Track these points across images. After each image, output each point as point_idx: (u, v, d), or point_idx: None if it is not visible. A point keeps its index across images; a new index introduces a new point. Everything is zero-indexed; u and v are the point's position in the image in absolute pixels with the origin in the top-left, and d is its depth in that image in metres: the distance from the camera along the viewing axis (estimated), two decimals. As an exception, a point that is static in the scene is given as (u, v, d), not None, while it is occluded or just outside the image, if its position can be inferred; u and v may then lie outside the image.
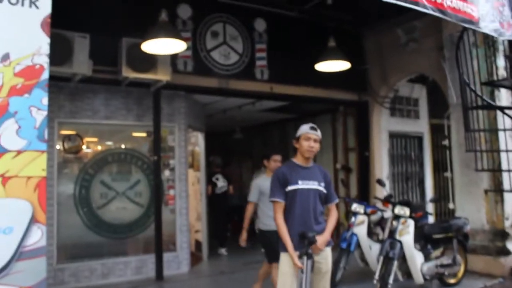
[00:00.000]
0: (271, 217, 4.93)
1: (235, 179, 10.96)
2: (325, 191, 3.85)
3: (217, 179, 9.07)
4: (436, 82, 8.13)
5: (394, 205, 6.16)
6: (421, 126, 9.88)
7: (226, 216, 9.44)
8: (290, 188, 3.73)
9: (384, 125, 9.13)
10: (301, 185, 3.75)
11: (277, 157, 5.48)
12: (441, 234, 6.22)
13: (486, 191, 6.89)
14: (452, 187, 8.24)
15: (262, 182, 5.36)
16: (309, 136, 3.79)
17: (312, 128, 3.83)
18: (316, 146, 3.82)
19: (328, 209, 3.96)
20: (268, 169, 5.44)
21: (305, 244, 3.54)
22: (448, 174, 9.02)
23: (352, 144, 9.43)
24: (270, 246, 5.04)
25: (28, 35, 2.82)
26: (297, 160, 3.87)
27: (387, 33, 8.55)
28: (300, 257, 3.54)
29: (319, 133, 3.85)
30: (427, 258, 5.99)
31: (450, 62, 7.17)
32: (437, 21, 6.90)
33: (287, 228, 3.67)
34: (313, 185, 3.79)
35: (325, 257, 3.78)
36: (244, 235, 5.53)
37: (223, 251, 8.72)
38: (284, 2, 7.52)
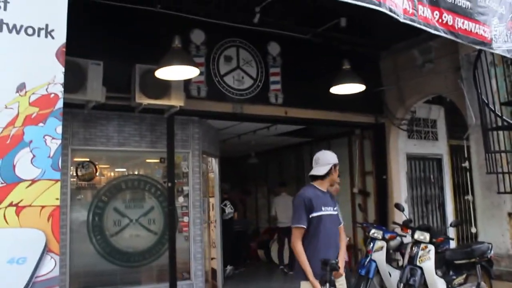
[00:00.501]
0: None
1: (240, 206, 11.04)
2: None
3: (225, 205, 9.14)
4: (454, 103, 8.10)
5: (413, 230, 6.09)
6: (439, 148, 9.81)
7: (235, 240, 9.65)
8: (315, 214, 3.78)
9: (401, 148, 9.09)
10: (324, 211, 3.82)
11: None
12: (464, 260, 6.11)
13: (510, 214, 6.76)
14: (474, 210, 8.10)
15: None
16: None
17: None
18: None
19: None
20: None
21: (327, 271, 3.54)
22: (469, 197, 8.89)
23: (369, 168, 9.37)
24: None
25: (43, 64, 2.88)
26: (320, 185, 3.95)
27: (403, 55, 8.57)
28: (323, 284, 3.54)
29: None
30: (449, 284, 5.88)
31: (467, 82, 7.14)
32: (453, 41, 6.90)
33: (311, 255, 3.69)
34: (331, 210, 3.89)
35: (343, 281, 3.87)
36: None
37: (228, 268, 8.83)
38: (298, 25, 7.60)
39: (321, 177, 3.94)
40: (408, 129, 9.19)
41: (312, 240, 3.75)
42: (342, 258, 3.86)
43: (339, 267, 3.61)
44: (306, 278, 3.65)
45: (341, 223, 4.10)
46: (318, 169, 3.95)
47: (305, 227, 3.75)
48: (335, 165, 3.97)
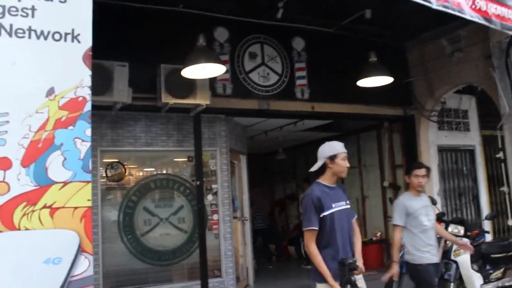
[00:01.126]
0: (424, 246, 4.70)
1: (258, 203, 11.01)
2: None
3: None
4: (485, 92, 7.94)
5: (447, 223, 6.01)
6: (472, 138, 9.64)
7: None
8: (326, 213, 3.63)
9: (432, 140, 8.96)
10: (335, 208, 3.67)
11: (420, 171, 4.88)
12: (501, 254, 6.00)
13: (548, 206, 6.62)
14: (510, 202, 7.95)
15: (408, 202, 4.83)
16: (345, 155, 3.75)
17: (344, 146, 3.81)
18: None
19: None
20: (411, 186, 4.93)
21: (345, 272, 3.45)
22: (505, 188, 8.73)
23: (399, 161, 9.28)
24: (426, 284, 4.72)
25: (71, 69, 2.97)
26: (326, 181, 3.78)
27: (431, 44, 8.44)
28: (343, 286, 3.46)
29: None
30: (486, 279, 5.78)
31: (499, 70, 6.99)
32: (483, 29, 6.77)
33: (330, 257, 3.58)
34: (342, 205, 3.74)
35: (360, 277, 3.72)
36: (395, 269, 4.82)
37: None
38: (322, 19, 7.56)
39: (321, 172, 3.78)
40: (438, 120, 9.07)
41: (329, 241, 3.62)
42: (359, 254, 3.73)
43: (358, 266, 3.49)
44: (322, 280, 3.53)
45: (355, 216, 3.93)
46: (316, 165, 3.81)
47: (316, 228, 3.59)
48: (331, 157, 3.72)
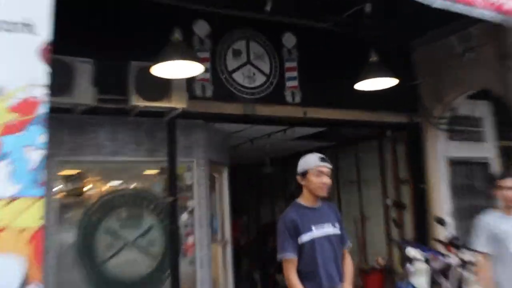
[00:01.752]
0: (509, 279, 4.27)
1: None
2: (340, 232, 3.78)
3: None
4: (501, 97, 8.01)
5: (460, 248, 6.01)
6: (487, 150, 9.71)
7: None
8: (305, 238, 3.59)
9: (441, 151, 9.00)
10: (316, 231, 3.63)
11: (508, 182, 4.43)
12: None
13: None
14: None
15: (494, 221, 4.43)
16: (321, 170, 3.67)
17: (322, 159, 3.71)
18: (329, 181, 3.68)
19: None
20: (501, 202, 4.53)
21: None
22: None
23: (404, 175, 9.31)
24: None
25: (24, 64, 2.90)
26: (304, 200, 3.75)
27: (439, 44, 8.50)
28: None
29: (330, 165, 3.72)
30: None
31: (518, 73, 7.07)
32: (498, 26, 6.84)
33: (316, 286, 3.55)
34: (328, 228, 3.69)
35: None
36: None
37: None
38: (316, 13, 7.58)
39: (300, 191, 3.77)
40: (448, 129, 9.10)
41: (310, 269, 3.58)
42: (349, 283, 3.70)
43: None
44: None
45: (347, 244, 3.88)
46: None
47: (294, 257, 3.58)
48: (302, 174, 3.72)
